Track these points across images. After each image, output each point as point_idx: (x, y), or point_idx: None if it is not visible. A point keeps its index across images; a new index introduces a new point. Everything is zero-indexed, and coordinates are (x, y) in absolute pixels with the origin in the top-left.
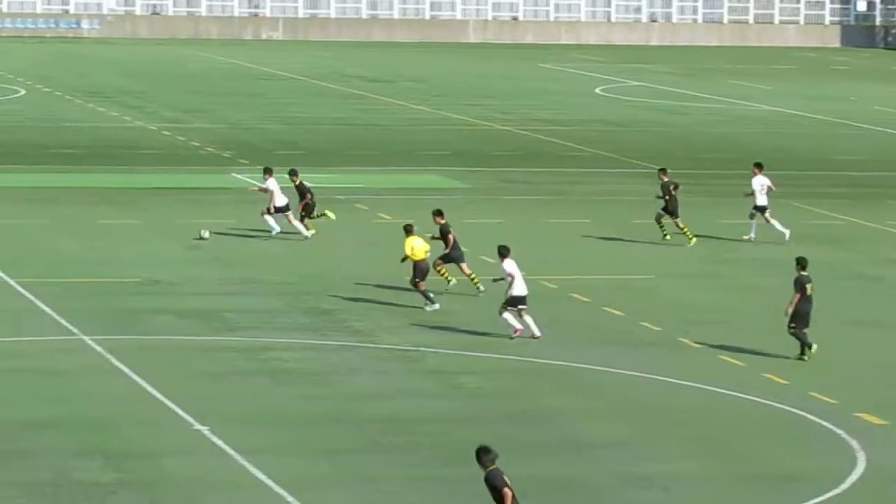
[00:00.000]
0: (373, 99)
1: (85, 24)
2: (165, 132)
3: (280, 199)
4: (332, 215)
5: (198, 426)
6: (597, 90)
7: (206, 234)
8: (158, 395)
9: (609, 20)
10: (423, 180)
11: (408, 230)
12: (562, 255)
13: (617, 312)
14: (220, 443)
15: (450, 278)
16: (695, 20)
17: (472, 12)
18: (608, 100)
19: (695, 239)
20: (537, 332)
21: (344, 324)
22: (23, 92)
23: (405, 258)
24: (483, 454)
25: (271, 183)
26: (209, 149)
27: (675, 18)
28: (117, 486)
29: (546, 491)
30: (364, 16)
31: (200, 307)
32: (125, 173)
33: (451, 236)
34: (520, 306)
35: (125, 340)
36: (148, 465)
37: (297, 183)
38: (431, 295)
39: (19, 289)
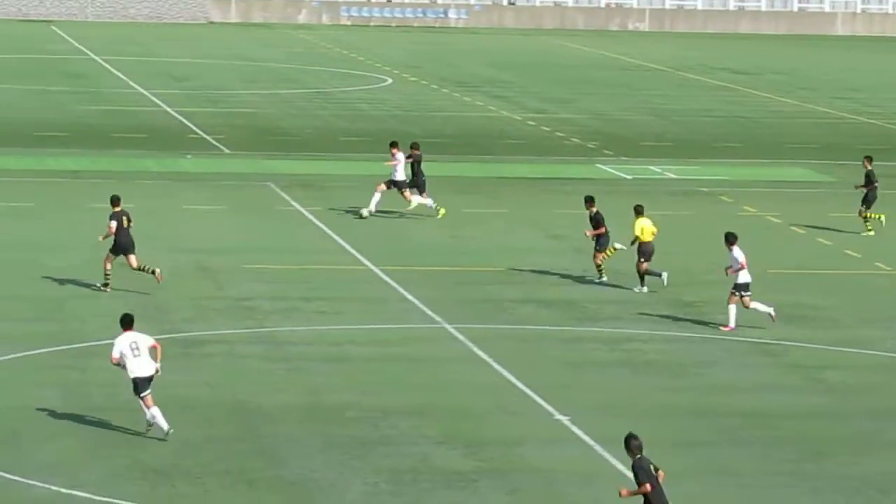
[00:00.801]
0: (739, 91)
1: (452, 14)
2: (530, 122)
3: (400, 174)
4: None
5: (558, 416)
6: None
7: (366, 213)
8: (519, 385)
9: None
10: (788, 174)
11: (638, 211)
12: None
13: None
14: (579, 432)
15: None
16: None
17: (841, 4)
18: None
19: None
20: (772, 312)
21: (706, 316)
22: (390, 81)
23: (635, 239)
24: (632, 441)
25: (400, 157)
26: (574, 139)
27: None
28: (477, 473)
29: None
30: (731, 7)
31: (562, 297)
32: (488, 163)
33: (603, 226)
34: (742, 293)
35: (487, 329)
36: (507, 454)
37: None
38: (646, 281)
39: (384, 277)
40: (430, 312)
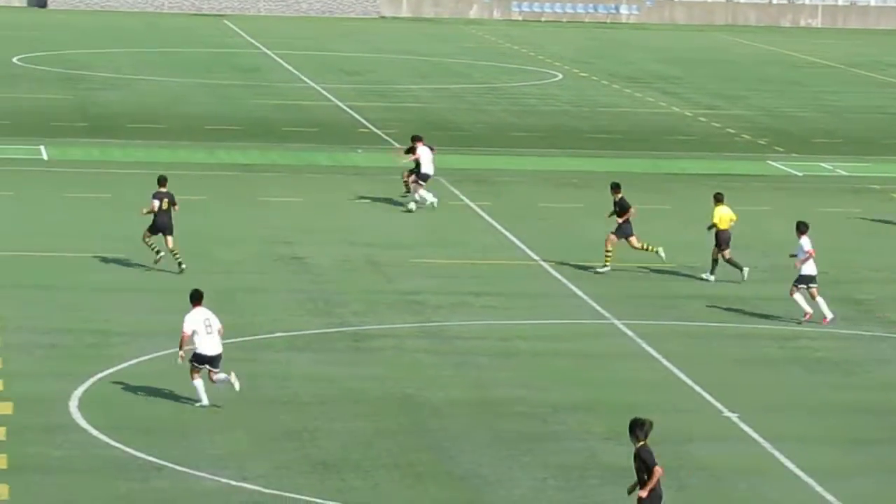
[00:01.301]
0: None
1: (623, 10)
2: (701, 118)
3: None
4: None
5: (727, 413)
6: None
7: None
8: (688, 381)
9: None
10: None
11: (718, 199)
12: None
13: None
14: (748, 430)
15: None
16: None
17: None
18: None
19: None
20: (828, 314)
21: (876, 314)
22: (560, 76)
23: (712, 226)
24: (637, 427)
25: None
26: (744, 136)
27: None
28: None
29: None
30: None
31: (731, 293)
32: (658, 159)
33: (632, 210)
34: (810, 285)
35: (656, 325)
36: (676, 451)
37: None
38: (716, 269)
39: (553, 272)
40: (599, 308)
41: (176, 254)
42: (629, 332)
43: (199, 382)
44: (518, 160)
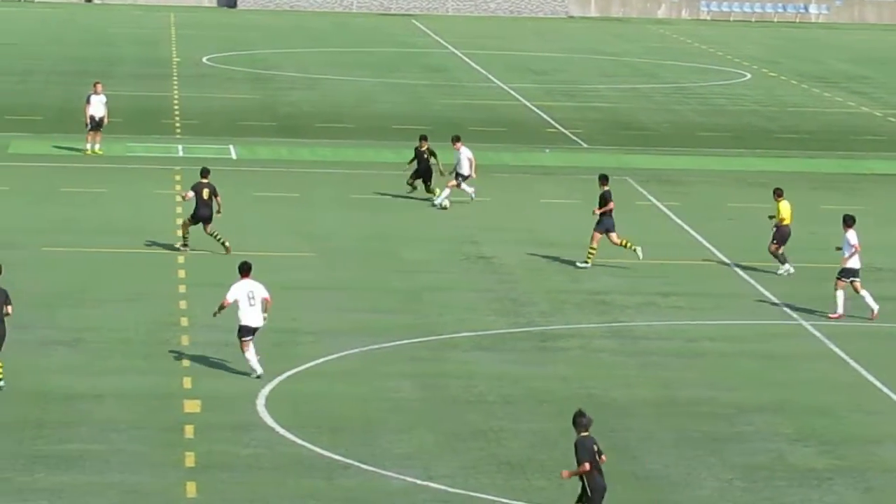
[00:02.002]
0: None
1: (813, 9)
2: (891, 118)
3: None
4: None
5: None
6: None
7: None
8: (877, 383)
9: None
10: None
11: (779, 194)
12: None
13: None
14: None
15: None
16: None
17: None
18: None
19: None
20: (874, 307)
21: None
22: (748, 76)
23: (780, 221)
24: (578, 418)
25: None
26: None
27: None
28: (832, 471)
29: None
30: None
31: None
32: (847, 159)
33: (612, 203)
34: (853, 279)
35: (845, 326)
36: (864, 452)
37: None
38: (784, 259)
39: (741, 273)
40: (786, 309)
41: (217, 235)
42: (817, 333)
43: (250, 354)
44: (705, 160)
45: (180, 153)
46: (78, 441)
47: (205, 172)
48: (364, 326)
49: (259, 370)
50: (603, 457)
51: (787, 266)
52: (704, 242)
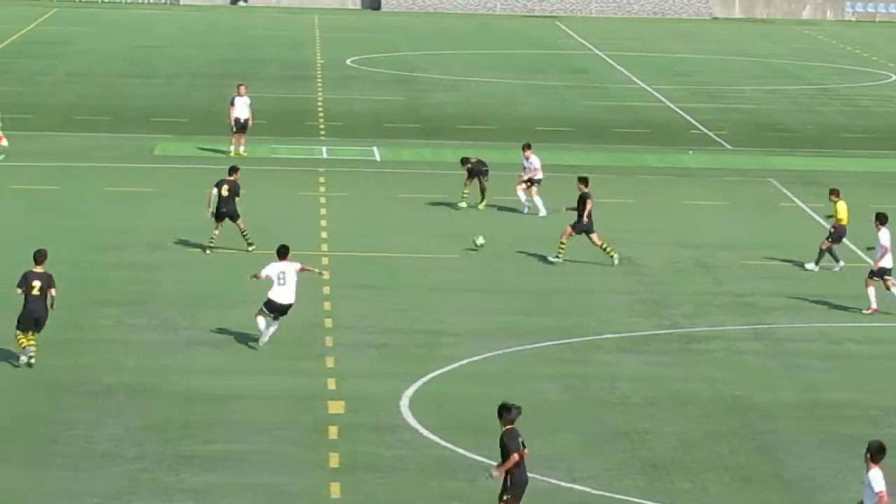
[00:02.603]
0: None
1: None
2: None
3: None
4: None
5: None
6: None
7: (480, 241)
8: None
9: None
10: None
11: (836, 193)
12: None
13: None
14: None
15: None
16: None
17: None
18: None
19: None
20: None
21: None
22: (894, 77)
23: (838, 221)
24: (504, 412)
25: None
26: None
27: None
28: None
29: None
30: None
31: None
32: None
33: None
34: (885, 277)
35: None
36: None
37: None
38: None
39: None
40: None
41: (245, 233)
42: None
43: (261, 320)
44: (850, 161)
45: (324, 155)
46: (223, 441)
47: (232, 170)
48: (508, 328)
49: (264, 341)
50: (526, 450)
51: (840, 263)
52: (849, 244)
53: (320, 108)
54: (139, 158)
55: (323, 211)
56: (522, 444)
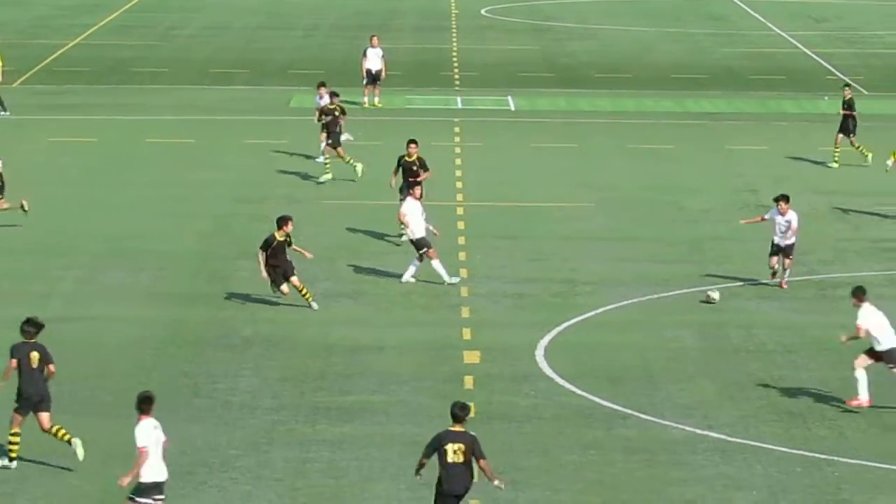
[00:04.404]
0: None
1: None
2: None
3: None
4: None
5: None
6: None
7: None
8: None
9: None
10: None
11: None
12: None
13: None
14: None
15: None
16: None
17: None
18: None
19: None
20: None
21: None
22: None
23: None
24: (455, 409)
25: None
26: None
27: None
28: None
29: None
30: None
31: None
32: None
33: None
34: None
35: None
36: None
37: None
38: None
39: None
40: None
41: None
42: None
43: (436, 264)
44: None
45: (459, 105)
46: (359, 392)
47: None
48: (643, 276)
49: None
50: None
51: None
52: None
53: (455, 59)
54: (276, 111)
55: (458, 161)
56: (480, 455)
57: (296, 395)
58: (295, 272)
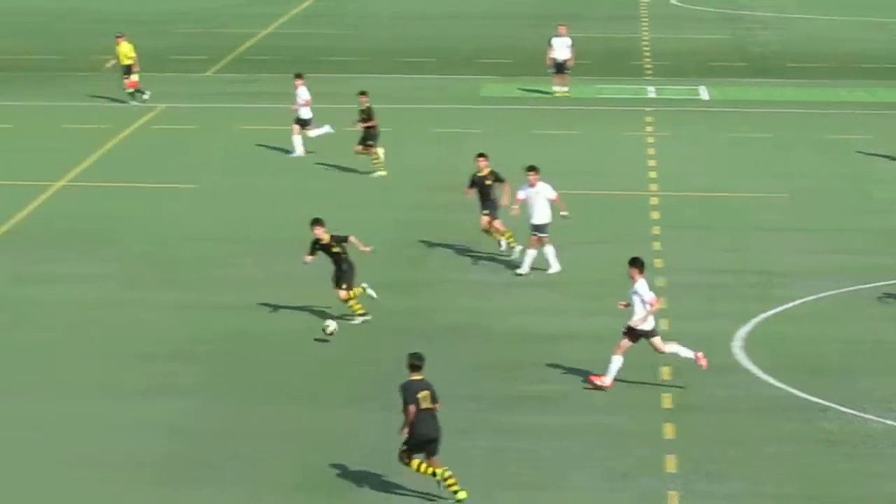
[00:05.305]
0: None
1: None
2: None
3: None
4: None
5: None
6: None
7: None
8: None
9: None
10: None
11: None
12: None
13: None
14: None
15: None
16: None
17: None
18: None
19: None
20: None
21: None
22: None
23: None
24: (409, 360)
25: None
26: None
27: None
28: None
29: None
30: None
31: None
32: None
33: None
34: None
35: None
36: None
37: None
38: None
39: None
40: None
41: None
42: None
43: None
44: None
45: (651, 94)
46: (555, 382)
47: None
48: (839, 267)
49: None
50: (438, 404)
51: None
52: None
53: (646, 48)
54: (466, 100)
55: (651, 151)
56: (434, 397)
57: (493, 384)
58: (346, 283)
